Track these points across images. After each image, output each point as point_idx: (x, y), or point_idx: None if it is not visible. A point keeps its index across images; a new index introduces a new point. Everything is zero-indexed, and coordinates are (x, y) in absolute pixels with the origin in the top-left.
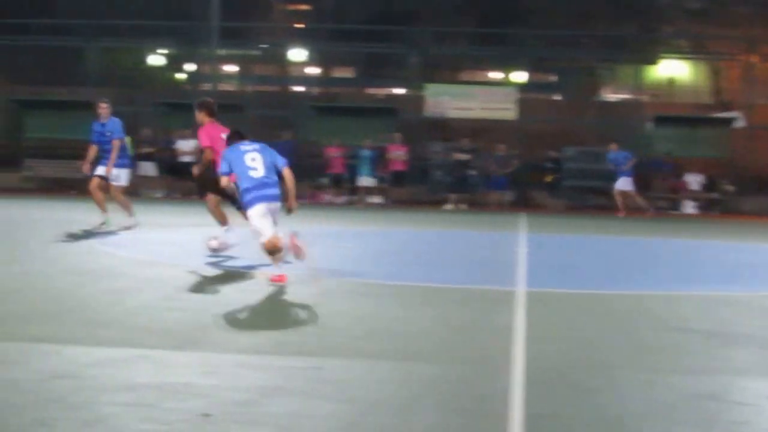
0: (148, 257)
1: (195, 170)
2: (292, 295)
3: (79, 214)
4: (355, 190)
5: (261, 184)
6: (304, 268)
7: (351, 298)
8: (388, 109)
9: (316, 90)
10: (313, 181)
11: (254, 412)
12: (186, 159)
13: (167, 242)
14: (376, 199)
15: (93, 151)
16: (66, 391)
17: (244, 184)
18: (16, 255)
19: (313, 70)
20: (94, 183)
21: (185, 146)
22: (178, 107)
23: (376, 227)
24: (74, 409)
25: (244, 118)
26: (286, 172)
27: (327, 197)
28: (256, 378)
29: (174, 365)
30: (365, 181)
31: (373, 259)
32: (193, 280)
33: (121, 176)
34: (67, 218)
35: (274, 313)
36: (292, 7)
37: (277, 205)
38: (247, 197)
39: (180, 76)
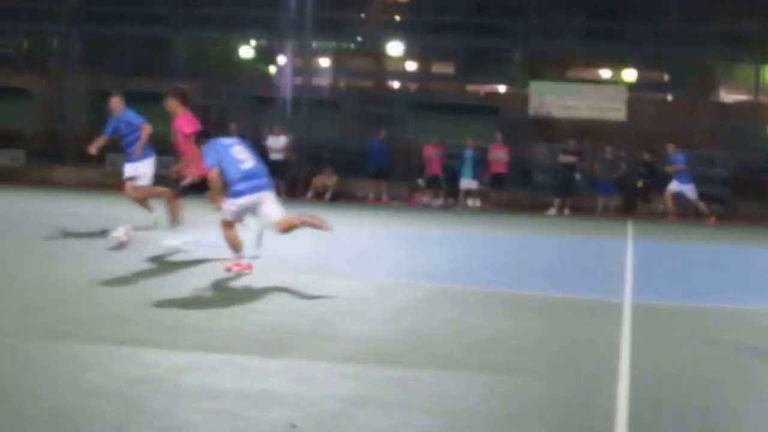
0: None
1: (177, 170)
2: (386, 300)
3: (161, 212)
4: (453, 192)
5: (252, 174)
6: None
7: (447, 304)
8: (489, 107)
9: (413, 86)
10: (410, 182)
11: (345, 424)
12: (276, 157)
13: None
14: (476, 202)
15: (103, 139)
16: (146, 397)
17: (234, 175)
18: (93, 254)
19: (411, 65)
20: (130, 186)
21: (275, 143)
22: (268, 102)
23: (474, 231)
24: (154, 416)
25: (338, 115)
26: None
27: (423, 199)
28: (347, 387)
29: (260, 372)
30: (467, 183)
31: (470, 264)
32: (279, 282)
33: (146, 174)
34: (148, 216)
35: (367, 320)
36: None
37: (270, 193)
38: (237, 187)
39: (271, 69)
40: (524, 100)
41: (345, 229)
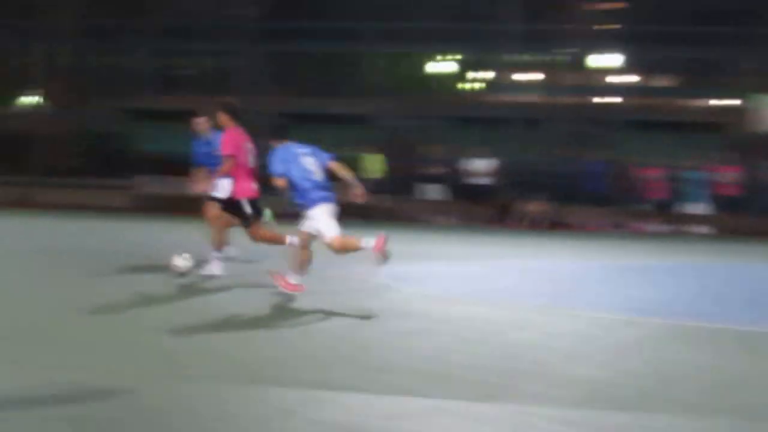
0: (441, 293)
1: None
2: (609, 338)
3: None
4: (677, 217)
5: (321, 186)
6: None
7: (677, 342)
8: (716, 124)
9: (628, 102)
10: (629, 208)
11: None
12: (479, 181)
13: (461, 276)
14: (703, 228)
15: (202, 173)
16: None
17: (303, 186)
18: (276, 290)
19: (628, 79)
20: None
21: (478, 166)
22: (470, 121)
23: (703, 261)
24: None
25: (545, 135)
26: (335, 166)
27: (646, 225)
28: None
29: (474, 419)
30: (694, 207)
31: (700, 297)
32: (492, 318)
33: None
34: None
35: (589, 360)
36: (602, 6)
37: (335, 207)
38: (310, 197)
39: (472, 86)
40: (756, 115)
41: (562, 261)
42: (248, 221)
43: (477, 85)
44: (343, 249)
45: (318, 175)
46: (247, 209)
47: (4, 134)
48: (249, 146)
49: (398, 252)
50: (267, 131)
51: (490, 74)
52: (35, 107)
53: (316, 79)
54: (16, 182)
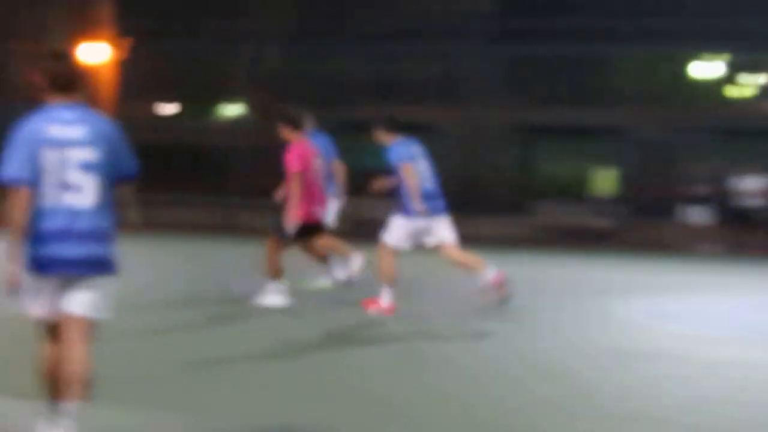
0: (702, 333)
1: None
2: None
3: (614, 272)
4: None
5: (431, 194)
6: None
7: None
8: None
9: None
10: None
11: None
12: (752, 202)
13: (728, 312)
14: None
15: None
16: None
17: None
18: (509, 326)
19: None
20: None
21: (751, 185)
22: (741, 133)
23: None
24: None
25: None
26: None
27: None
28: None
29: None
30: None
31: None
32: (764, 363)
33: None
34: (594, 278)
35: None
36: None
37: (446, 217)
38: (414, 207)
39: (744, 92)
40: None
41: None
42: (277, 235)
43: (749, 91)
44: (380, 262)
45: (430, 182)
46: (289, 230)
47: (204, 149)
48: (318, 161)
49: (652, 284)
50: (500, 145)
51: (764, 78)
52: (238, 118)
53: (560, 86)
54: (217, 203)
